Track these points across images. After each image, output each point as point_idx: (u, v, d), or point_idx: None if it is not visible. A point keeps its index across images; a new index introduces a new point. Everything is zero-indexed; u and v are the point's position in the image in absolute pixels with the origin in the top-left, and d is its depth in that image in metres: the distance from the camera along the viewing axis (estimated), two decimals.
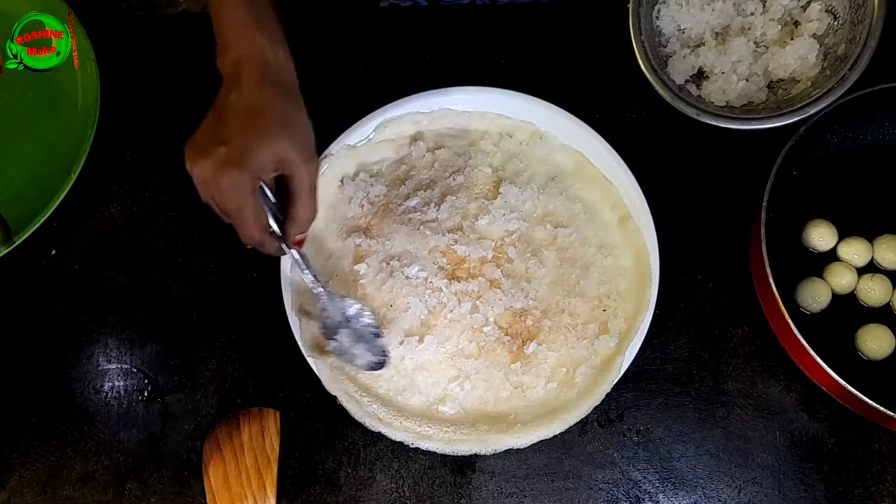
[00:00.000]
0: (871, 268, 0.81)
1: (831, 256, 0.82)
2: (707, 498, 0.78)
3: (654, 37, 0.85)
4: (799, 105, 0.78)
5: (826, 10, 0.83)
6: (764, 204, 0.76)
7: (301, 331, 0.78)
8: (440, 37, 0.93)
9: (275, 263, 0.79)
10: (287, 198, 0.69)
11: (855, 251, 0.81)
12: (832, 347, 0.76)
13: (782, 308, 0.73)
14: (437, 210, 0.82)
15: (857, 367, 0.77)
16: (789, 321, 0.73)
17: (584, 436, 0.80)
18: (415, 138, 0.86)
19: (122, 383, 0.83)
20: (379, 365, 0.77)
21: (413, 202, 0.83)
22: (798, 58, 0.82)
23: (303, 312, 0.79)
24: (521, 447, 0.76)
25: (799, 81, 0.83)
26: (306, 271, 0.74)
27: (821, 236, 0.81)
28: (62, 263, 0.87)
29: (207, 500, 0.78)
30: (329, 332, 0.77)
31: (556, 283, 0.81)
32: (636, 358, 0.77)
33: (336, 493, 0.79)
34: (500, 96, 0.85)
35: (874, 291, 0.79)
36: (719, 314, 0.83)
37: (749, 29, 0.85)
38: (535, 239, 0.82)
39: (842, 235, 0.82)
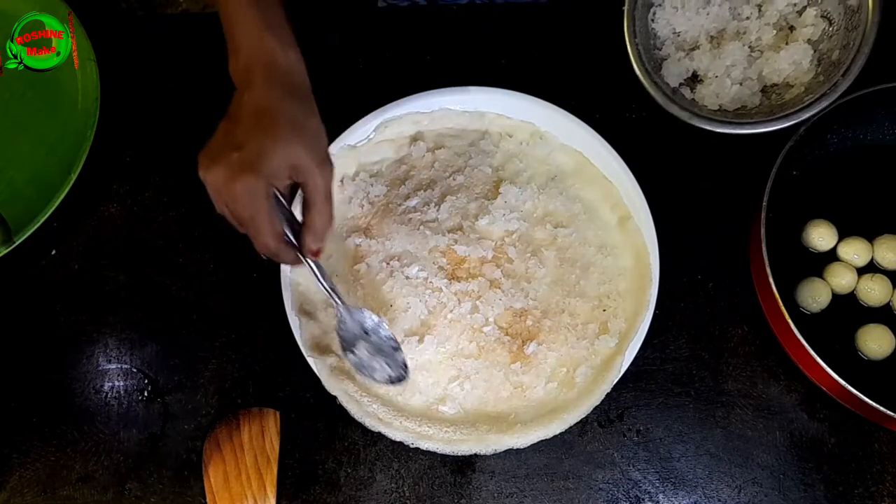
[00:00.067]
0: (871, 268, 0.81)
1: (831, 256, 0.82)
2: (707, 498, 0.78)
3: (650, 39, 0.85)
4: (791, 110, 0.78)
5: (821, 16, 0.83)
6: (764, 204, 0.76)
7: (301, 331, 0.78)
8: (440, 37, 0.93)
9: (274, 264, 0.79)
10: (302, 205, 0.67)
11: (855, 251, 0.81)
12: (832, 347, 0.76)
13: (782, 308, 0.73)
14: (437, 210, 0.82)
15: (857, 367, 0.77)
16: (789, 321, 0.73)
17: (584, 436, 0.80)
18: (415, 138, 0.86)
19: (122, 383, 0.83)
20: (399, 379, 0.74)
21: (413, 202, 0.83)
22: (792, 63, 0.82)
23: (303, 312, 0.79)
24: (521, 447, 0.76)
25: (793, 86, 0.83)
26: (323, 282, 0.71)
27: (821, 236, 0.81)
28: (62, 263, 0.87)
29: (207, 500, 0.78)
30: (347, 345, 0.75)
31: (556, 283, 0.81)
32: (636, 358, 0.77)
33: (336, 493, 0.79)
34: (500, 96, 0.85)
35: (874, 291, 0.80)
36: (719, 314, 0.83)
37: (744, 33, 0.85)
38: (535, 239, 0.82)
39: (842, 235, 0.82)
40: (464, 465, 0.79)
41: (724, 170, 0.85)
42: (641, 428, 0.80)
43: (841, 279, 0.80)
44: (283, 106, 0.65)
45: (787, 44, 0.83)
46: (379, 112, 0.85)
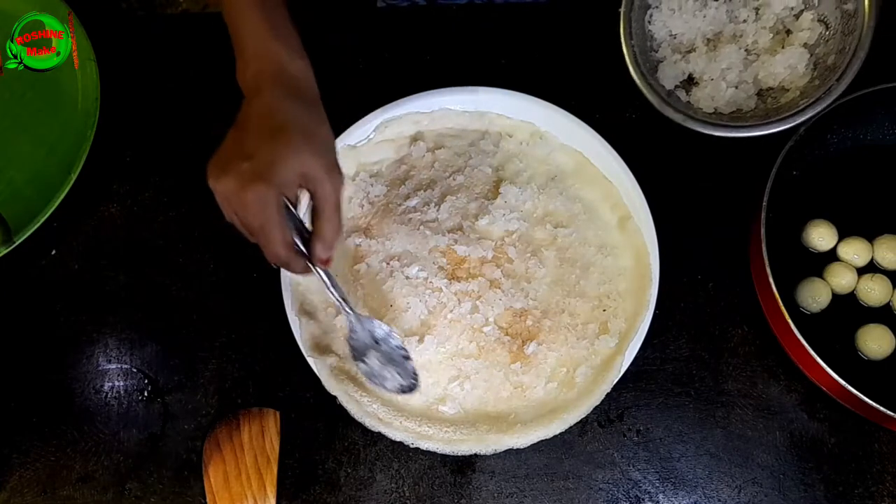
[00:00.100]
0: (871, 268, 0.81)
1: (831, 256, 0.82)
2: (707, 498, 0.78)
3: (646, 41, 0.85)
4: (786, 114, 0.78)
5: (818, 20, 0.83)
6: (764, 204, 0.76)
7: (301, 331, 0.78)
8: (439, 37, 0.93)
9: (280, 269, 0.79)
10: (311, 213, 0.66)
11: (855, 251, 0.81)
12: (832, 347, 0.76)
13: (782, 308, 0.73)
14: (437, 210, 0.82)
15: (857, 367, 0.77)
16: (789, 321, 0.73)
17: (584, 436, 0.80)
18: (415, 138, 0.86)
19: (122, 383, 0.83)
20: (410, 388, 0.74)
21: (413, 202, 0.83)
22: (788, 66, 0.82)
23: (303, 312, 0.79)
24: (521, 447, 0.76)
25: (788, 90, 0.83)
26: (333, 292, 0.71)
27: (821, 236, 0.81)
28: (62, 263, 0.87)
29: (207, 500, 0.78)
30: (358, 354, 0.75)
31: (556, 283, 0.81)
32: (636, 358, 0.77)
33: (336, 493, 0.79)
34: (500, 96, 0.85)
35: (874, 291, 0.80)
36: (719, 314, 0.83)
37: (741, 36, 0.84)
38: (535, 239, 0.82)
39: (842, 235, 0.82)
40: (464, 465, 0.79)
41: (724, 170, 0.85)
42: (641, 428, 0.80)
43: (841, 279, 0.80)
44: (293, 114, 0.65)
45: (783, 47, 0.83)
46: (379, 112, 0.85)
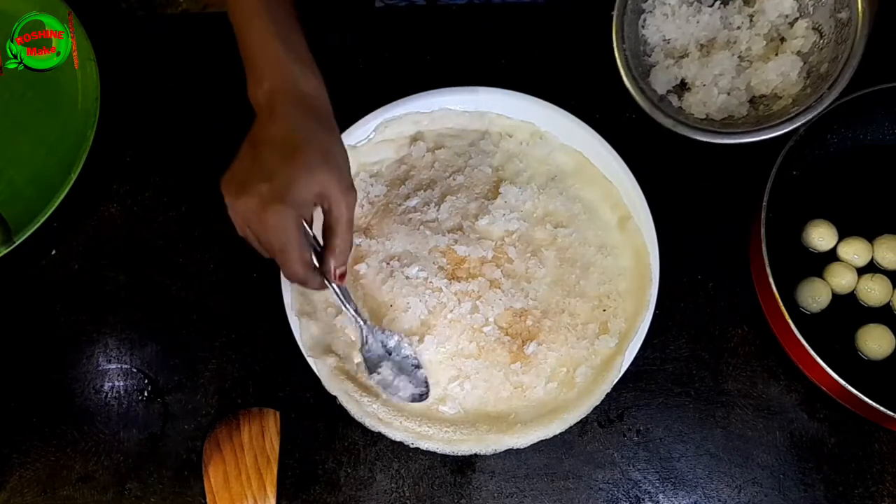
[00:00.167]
0: (871, 268, 0.81)
1: (831, 256, 0.82)
2: (707, 498, 0.78)
3: (639, 45, 0.84)
4: (777, 122, 0.77)
5: (813, 28, 0.82)
6: (764, 204, 0.76)
7: (301, 331, 0.78)
8: (439, 37, 0.93)
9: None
10: (324, 230, 0.67)
11: (855, 251, 0.81)
12: (832, 347, 0.76)
13: (782, 308, 0.73)
14: (437, 210, 0.82)
15: (857, 367, 0.77)
16: (789, 321, 0.73)
17: (584, 436, 0.80)
18: (415, 138, 0.86)
19: (122, 383, 0.83)
20: (422, 397, 0.76)
21: (413, 202, 0.83)
22: (780, 74, 0.81)
23: (303, 313, 0.79)
24: (521, 447, 0.76)
25: (781, 98, 0.82)
26: (348, 306, 0.72)
27: (821, 236, 0.81)
28: (62, 263, 0.87)
29: (207, 500, 0.78)
30: (372, 365, 0.76)
31: (556, 283, 0.81)
32: (636, 358, 0.77)
33: (336, 493, 0.79)
34: (500, 96, 0.85)
35: (874, 291, 0.80)
36: (719, 314, 0.83)
37: (734, 43, 0.84)
38: (535, 239, 0.82)
39: (842, 235, 0.82)
40: (464, 465, 0.79)
41: (725, 170, 0.85)
42: (641, 428, 0.80)
43: (841, 279, 0.80)
44: (310, 134, 0.65)
45: (776, 55, 0.83)
46: (379, 112, 0.85)
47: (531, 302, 0.79)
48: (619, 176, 0.83)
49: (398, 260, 0.80)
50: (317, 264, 0.67)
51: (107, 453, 0.81)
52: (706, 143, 0.80)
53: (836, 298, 0.80)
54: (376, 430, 0.76)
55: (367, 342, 0.76)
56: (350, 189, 0.66)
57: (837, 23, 0.79)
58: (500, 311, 0.79)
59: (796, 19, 0.83)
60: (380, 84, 0.90)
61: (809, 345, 0.72)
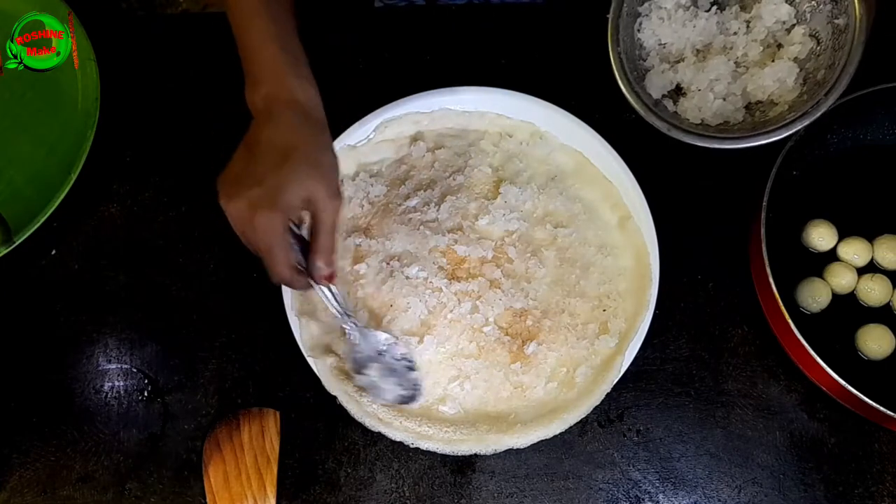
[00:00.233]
0: (871, 268, 0.81)
1: (831, 256, 0.82)
2: (707, 498, 0.78)
3: (635, 49, 0.84)
4: (772, 127, 0.77)
5: (810, 35, 0.82)
6: (764, 204, 0.76)
7: (301, 331, 0.78)
8: (439, 37, 0.93)
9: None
10: (310, 233, 0.69)
11: (855, 251, 0.81)
12: (832, 347, 0.76)
13: (782, 308, 0.73)
14: (437, 210, 0.82)
15: (857, 367, 0.77)
16: (789, 321, 0.73)
17: (584, 436, 0.80)
18: (415, 138, 0.86)
19: (122, 383, 0.83)
20: (409, 399, 0.76)
21: (413, 202, 0.83)
22: (777, 80, 0.81)
23: (303, 312, 0.79)
24: (521, 447, 0.76)
25: (777, 104, 0.82)
26: (336, 306, 0.73)
27: (821, 236, 0.81)
28: (62, 263, 0.87)
29: (207, 500, 0.78)
30: (359, 367, 0.76)
31: (556, 283, 0.81)
32: (636, 358, 0.77)
33: (336, 493, 0.79)
34: (500, 96, 0.85)
35: (874, 291, 0.80)
36: (719, 314, 0.83)
37: (731, 48, 0.84)
38: (535, 239, 0.82)
39: (842, 235, 0.82)
40: (464, 465, 0.79)
41: (724, 170, 0.85)
42: (641, 428, 0.80)
43: (841, 279, 0.80)
44: (302, 142, 0.68)
45: (773, 61, 0.82)
46: (379, 112, 0.85)
47: (531, 302, 0.79)
48: (619, 176, 0.83)
49: (398, 260, 0.80)
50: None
51: (107, 453, 0.81)
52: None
53: (836, 298, 0.80)
54: (376, 430, 0.76)
55: (357, 343, 0.76)
56: (336, 195, 0.68)
57: (834, 29, 0.79)
58: (500, 311, 0.79)
59: (793, 25, 0.83)
60: (380, 84, 0.90)
61: (809, 345, 0.72)
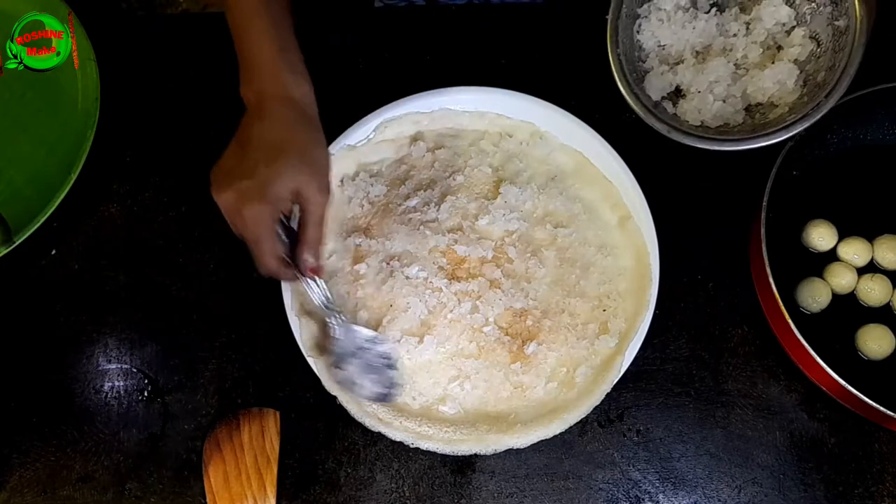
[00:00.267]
0: (871, 268, 0.81)
1: (831, 256, 0.82)
2: (707, 498, 0.78)
3: (634, 51, 0.84)
4: (773, 129, 0.77)
5: (810, 37, 0.81)
6: (764, 204, 0.76)
7: (301, 331, 0.78)
8: (439, 37, 0.93)
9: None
10: (298, 225, 0.72)
11: (855, 251, 0.81)
12: (832, 347, 0.76)
13: (782, 308, 0.73)
14: (437, 210, 0.82)
15: (857, 367, 0.77)
16: (789, 321, 0.73)
17: (584, 436, 0.80)
18: (415, 138, 0.86)
19: (122, 383, 0.83)
20: (385, 397, 0.76)
21: (413, 202, 0.83)
22: (777, 82, 0.81)
23: (303, 312, 0.79)
24: (521, 447, 0.76)
25: (777, 106, 0.81)
26: (320, 300, 0.74)
27: (821, 236, 0.81)
28: (62, 263, 0.87)
29: (207, 500, 0.78)
30: (338, 361, 0.76)
31: (556, 283, 0.81)
32: (636, 358, 0.77)
33: (336, 493, 0.79)
34: (500, 96, 0.85)
35: (874, 291, 0.80)
36: (719, 314, 0.83)
37: (730, 50, 0.83)
38: (535, 239, 0.82)
39: (842, 235, 0.82)
40: (464, 465, 0.79)
41: (725, 170, 0.85)
42: (641, 428, 0.80)
43: (841, 279, 0.80)
44: (293, 138, 0.70)
45: (773, 63, 0.82)
46: (379, 112, 0.85)
47: (531, 302, 0.79)
48: (619, 176, 0.83)
49: (398, 260, 0.80)
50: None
51: (107, 453, 0.81)
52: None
53: (836, 298, 0.80)
54: (376, 430, 0.76)
55: (337, 337, 0.76)
56: (325, 191, 0.71)
57: (835, 31, 0.79)
58: (500, 311, 0.79)
59: (793, 27, 0.82)
60: (380, 84, 0.90)
61: (809, 345, 0.72)
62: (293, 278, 0.72)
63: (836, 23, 0.78)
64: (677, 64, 0.84)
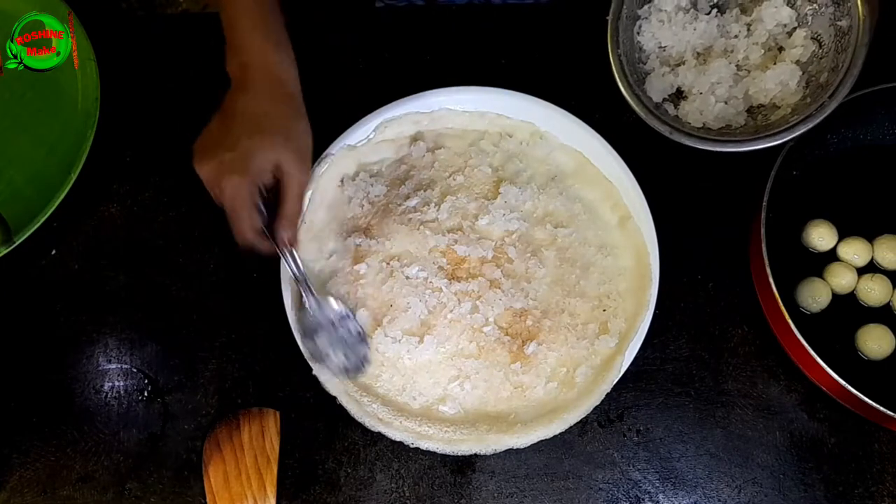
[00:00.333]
0: (871, 268, 0.81)
1: (831, 256, 0.82)
2: (707, 498, 0.78)
3: (635, 52, 0.84)
4: (775, 131, 0.76)
5: (812, 38, 0.81)
6: (764, 204, 0.76)
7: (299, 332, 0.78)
8: (439, 37, 0.93)
9: (274, 264, 0.79)
10: (278, 198, 0.73)
11: (855, 251, 0.81)
12: (832, 347, 0.76)
13: (782, 308, 0.73)
14: (437, 210, 0.82)
15: (857, 367, 0.77)
16: (789, 321, 0.73)
17: (584, 436, 0.80)
18: (415, 138, 0.86)
19: (122, 383, 0.83)
20: (354, 370, 0.77)
21: (413, 202, 0.83)
22: (779, 83, 0.80)
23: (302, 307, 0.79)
24: (521, 447, 0.76)
25: (779, 108, 0.81)
26: (295, 271, 0.75)
27: (821, 236, 0.81)
28: (62, 263, 0.87)
29: (207, 500, 0.78)
30: (308, 332, 0.77)
31: (556, 283, 0.81)
32: (636, 358, 0.77)
33: (336, 493, 0.79)
34: (500, 96, 0.85)
35: (874, 291, 0.80)
36: (719, 314, 0.83)
37: (731, 51, 0.83)
38: (535, 239, 0.82)
39: (842, 235, 0.82)
40: (464, 465, 0.79)
41: (725, 170, 0.85)
42: (641, 428, 0.80)
43: (841, 279, 0.80)
44: (275, 112, 0.72)
45: (774, 64, 0.82)
46: (379, 112, 0.85)
47: (531, 302, 0.79)
48: (619, 176, 0.83)
49: (398, 260, 0.80)
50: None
51: (107, 453, 0.81)
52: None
53: (836, 298, 0.80)
54: (376, 430, 0.76)
55: (310, 309, 0.76)
56: (305, 163, 0.73)
57: (837, 31, 0.79)
58: (500, 311, 0.79)
59: (794, 28, 0.82)
60: (380, 84, 0.90)
61: (809, 345, 0.72)
62: (269, 250, 0.74)
63: (839, 23, 0.78)
64: (678, 65, 0.84)
